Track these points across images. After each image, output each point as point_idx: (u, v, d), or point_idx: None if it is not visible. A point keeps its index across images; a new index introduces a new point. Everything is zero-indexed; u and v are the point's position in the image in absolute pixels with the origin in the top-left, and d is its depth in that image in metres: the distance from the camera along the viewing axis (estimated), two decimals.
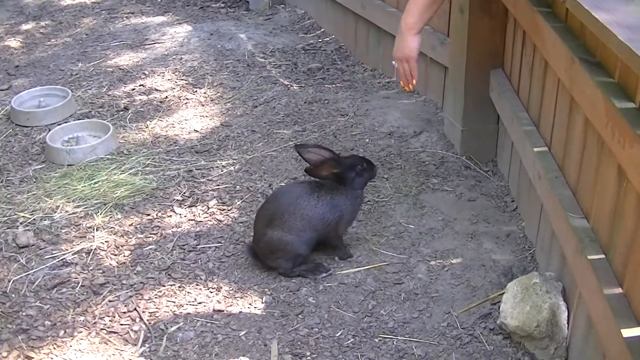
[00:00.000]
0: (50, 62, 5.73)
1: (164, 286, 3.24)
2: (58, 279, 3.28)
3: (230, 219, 3.70)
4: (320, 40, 5.98)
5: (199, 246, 3.50)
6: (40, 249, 3.49)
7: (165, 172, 4.12)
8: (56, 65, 5.66)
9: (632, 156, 2.05)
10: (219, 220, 3.69)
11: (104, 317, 3.07)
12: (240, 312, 3.10)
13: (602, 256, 2.41)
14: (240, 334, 2.97)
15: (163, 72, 5.44)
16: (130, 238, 3.57)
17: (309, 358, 2.85)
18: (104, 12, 6.88)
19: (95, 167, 4.16)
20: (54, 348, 2.90)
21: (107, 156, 4.28)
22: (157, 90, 5.18)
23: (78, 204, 3.82)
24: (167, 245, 3.51)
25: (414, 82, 3.26)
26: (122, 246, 3.51)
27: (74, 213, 3.75)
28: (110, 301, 3.16)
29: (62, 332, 2.98)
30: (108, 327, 3.01)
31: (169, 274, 3.32)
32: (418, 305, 3.11)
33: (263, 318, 3.06)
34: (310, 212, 3.24)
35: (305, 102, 4.90)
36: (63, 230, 3.62)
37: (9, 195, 3.91)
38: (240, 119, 4.73)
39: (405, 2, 4.81)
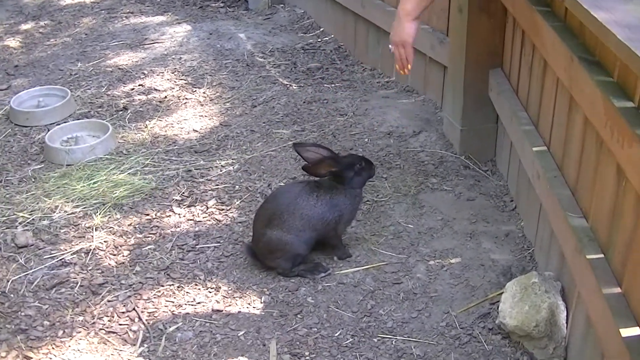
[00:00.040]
0: (50, 62, 5.73)
1: (162, 286, 3.24)
2: (57, 279, 3.28)
3: (229, 219, 3.70)
4: (319, 40, 5.98)
5: (197, 246, 3.50)
6: (39, 249, 3.48)
7: (164, 172, 4.11)
8: (55, 65, 5.65)
9: (631, 155, 2.04)
10: (218, 220, 3.69)
11: (102, 317, 3.07)
12: (239, 312, 3.10)
13: (601, 256, 2.41)
14: (239, 334, 2.97)
15: (162, 72, 5.44)
16: (129, 238, 3.57)
17: (307, 358, 2.85)
18: (103, 11, 6.88)
19: (94, 167, 4.15)
20: (53, 348, 2.90)
21: (106, 156, 4.28)
22: (156, 90, 5.17)
23: (77, 204, 3.82)
24: (166, 245, 3.51)
25: (409, 66, 3.29)
26: (121, 246, 3.51)
27: (73, 213, 3.75)
28: (109, 301, 3.16)
29: (60, 332, 2.98)
30: (107, 327, 3.01)
31: (167, 274, 3.32)
32: (417, 305, 3.11)
33: (262, 318, 3.06)
34: (309, 211, 3.24)
35: (304, 102, 4.89)
36: (62, 230, 3.62)
37: (7, 195, 3.91)
38: (240, 119, 4.72)
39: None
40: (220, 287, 3.23)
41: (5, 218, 3.71)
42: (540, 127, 3.27)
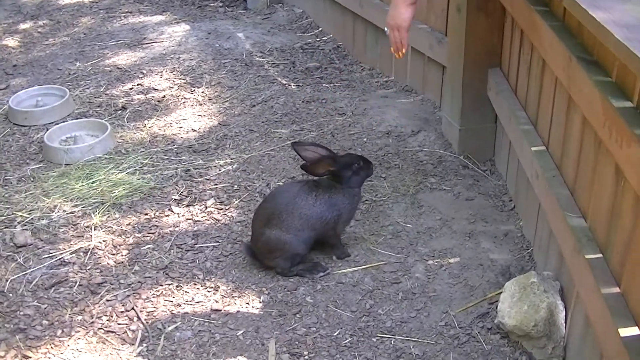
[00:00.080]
0: (48, 62, 5.73)
1: (161, 285, 3.24)
2: (55, 278, 3.28)
3: (228, 219, 3.70)
4: (318, 40, 5.98)
5: (196, 245, 3.50)
6: (38, 249, 3.48)
7: (163, 172, 4.11)
8: (54, 65, 5.65)
9: (629, 155, 2.05)
10: (216, 220, 3.69)
11: (101, 317, 3.06)
12: (238, 311, 3.10)
13: (600, 255, 2.41)
14: (237, 334, 2.97)
15: (161, 72, 5.44)
16: (128, 237, 3.57)
17: (306, 357, 2.85)
18: (102, 11, 6.88)
19: (93, 167, 4.15)
20: (52, 347, 2.90)
21: (105, 155, 4.28)
22: (155, 89, 5.17)
23: (76, 204, 3.82)
24: (164, 245, 3.51)
25: (404, 50, 3.30)
26: (119, 245, 3.51)
27: (71, 212, 3.75)
28: (107, 300, 3.16)
29: (59, 332, 2.98)
30: (106, 327, 3.01)
31: (166, 274, 3.32)
32: (416, 304, 3.11)
33: (261, 317, 3.06)
34: (308, 211, 3.24)
35: (303, 102, 4.89)
36: (61, 230, 3.62)
37: (6, 195, 3.91)
38: (238, 118, 4.72)
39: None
40: (219, 287, 3.23)
41: (4, 217, 3.70)
42: (538, 127, 3.27)
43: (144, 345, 2.92)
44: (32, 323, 3.02)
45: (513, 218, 3.64)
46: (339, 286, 3.23)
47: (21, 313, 3.08)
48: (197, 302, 3.15)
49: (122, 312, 3.09)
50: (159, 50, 5.85)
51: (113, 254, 3.45)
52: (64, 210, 3.76)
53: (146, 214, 3.74)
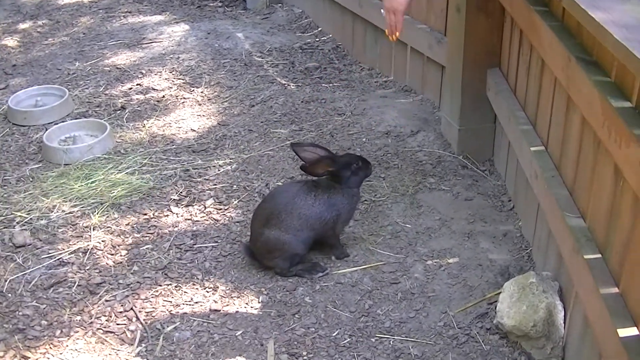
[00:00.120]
0: (48, 61, 5.72)
1: (160, 286, 3.24)
2: (54, 278, 3.28)
3: (227, 219, 3.69)
4: (317, 40, 5.98)
5: (195, 246, 3.50)
6: (37, 249, 3.48)
7: (162, 172, 4.11)
8: (53, 65, 5.65)
9: (628, 155, 2.05)
10: (215, 220, 3.69)
11: (100, 317, 3.06)
12: (237, 311, 3.10)
13: (599, 256, 2.41)
14: (236, 334, 2.97)
15: (160, 72, 5.43)
16: (127, 237, 3.57)
17: (305, 358, 2.85)
18: (101, 11, 6.88)
19: (92, 167, 4.15)
20: (51, 348, 2.90)
21: (104, 155, 4.28)
22: (154, 89, 5.17)
23: (75, 204, 3.81)
24: (163, 245, 3.51)
25: (397, 34, 3.32)
26: (118, 246, 3.51)
27: (70, 212, 3.75)
28: (106, 301, 3.15)
29: (58, 332, 2.98)
30: (104, 327, 3.01)
31: (165, 274, 3.31)
32: (415, 304, 3.11)
33: (260, 318, 3.06)
34: (307, 211, 3.24)
35: (302, 102, 4.89)
36: (60, 230, 3.62)
37: (5, 195, 3.91)
38: (237, 118, 4.72)
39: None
40: (218, 287, 3.23)
41: (3, 217, 3.70)
42: (538, 127, 3.27)
43: (143, 345, 2.92)
44: (31, 323, 3.02)
45: (512, 218, 3.64)
46: (337, 286, 3.23)
47: (20, 313, 3.07)
48: (196, 303, 3.14)
49: (121, 312, 3.09)
50: (158, 50, 5.84)
51: (112, 254, 3.45)
52: (63, 211, 3.76)
53: (145, 214, 3.74)
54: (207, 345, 2.91)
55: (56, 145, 4.35)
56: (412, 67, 4.91)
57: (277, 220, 3.21)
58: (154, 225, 3.65)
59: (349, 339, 2.93)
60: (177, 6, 6.98)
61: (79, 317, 3.06)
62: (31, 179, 4.07)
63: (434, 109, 4.66)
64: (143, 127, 4.65)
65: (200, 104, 4.94)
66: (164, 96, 5.06)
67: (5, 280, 3.26)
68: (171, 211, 3.76)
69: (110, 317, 3.07)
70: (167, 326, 3.01)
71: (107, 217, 3.72)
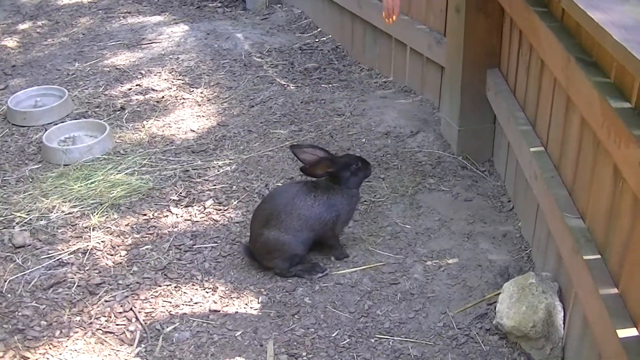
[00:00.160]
0: (47, 62, 5.72)
1: (160, 286, 3.24)
2: (54, 279, 3.28)
3: (227, 219, 3.69)
4: (317, 40, 5.98)
5: (195, 246, 3.50)
6: (37, 249, 3.48)
7: (161, 172, 4.11)
8: (53, 65, 5.65)
9: (627, 156, 2.05)
10: (215, 220, 3.69)
11: (100, 317, 3.06)
12: (237, 312, 3.10)
13: (598, 256, 2.41)
14: (236, 334, 2.97)
15: (160, 72, 5.43)
16: (127, 238, 3.57)
17: (305, 358, 2.84)
18: (100, 11, 6.88)
19: (91, 167, 4.15)
20: (50, 348, 2.90)
21: (104, 156, 4.28)
22: (153, 90, 5.17)
23: (74, 204, 3.81)
24: (163, 245, 3.51)
25: (394, 17, 3.34)
26: (118, 246, 3.51)
27: (70, 213, 3.75)
28: (106, 301, 3.15)
29: (58, 332, 2.98)
30: (104, 327, 3.01)
31: (165, 274, 3.31)
32: (414, 305, 3.11)
33: (259, 318, 3.06)
34: (307, 211, 3.24)
35: (301, 102, 4.89)
36: (59, 230, 3.62)
37: (5, 195, 3.91)
38: (237, 119, 4.72)
39: (402, 3, 4.81)
40: (217, 288, 3.23)
41: (2, 218, 3.70)
42: (537, 128, 3.28)
43: (143, 345, 2.92)
44: (30, 323, 3.02)
45: (512, 219, 3.65)
46: (337, 287, 3.23)
47: (20, 313, 3.07)
48: (196, 303, 3.14)
49: (120, 312, 3.09)
50: (157, 50, 5.84)
51: (112, 255, 3.45)
52: (63, 211, 3.76)
53: (145, 215, 3.74)
54: (207, 346, 2.91)
55: (56, 145, 4.35)
56: (411, 68, 4.91)
57: (276, 221, 3.21)
58: (154, 226, 3.65)
59: (348, 340, 2.93)
60: (176, 7, 6.98)
61: (78, 318, 3.06)
62: (31, 180, 4.07)
63: (433, 109, 4.66)
64: (142, 127, 4.65)
65: (199, 105, 4.94)
66: (163, 97, 5.06)
67: (5, 281, 3.26)
68: (171, 212, 3.76)
69: (110, 317, 3.06)
70: (167, 327, 3.01)
71: (107, 217, 3.72)
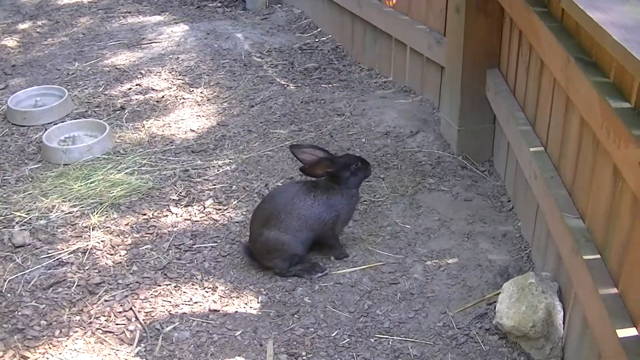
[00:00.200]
0: (47, 62, 5.72)
1: (159, 286, 3.24)
2: (54, 278, 3.28)
3: (226, 219, 3.70)
4: (317, 40, 5.98)
5: (194, 246, 3.50)
6: (36, 249, 3.48)
7: (161, 172, 4.11)
8: (53, 65, 5.65)
9: (627, 156, 2.05)
10: (215, 220, 3.69)
11: (99, 317, 3.06)
12: (236, 311, 3.10)
13: (598, 256, 2.41)
14: (235, 334, 2.97)
15: (159, 72, 5.43)
16: (126, 238, 3.57)
17: (304, 358, 2.85)
18: (100, 11, 6.88)
19: (91, 167, 4.15)
20: (50, 347, 2.90)
21: (104, 156, 4.28)
22: (153, 89, 5.17)
23: (74, 204, 3.81)
24: (163, 245, 3.51)
25: (394, 1, 3.33)
26: (118, 246, 3.51)
27: (70, 212, 3.75)
28: (106, 301, 3.15)
29: (57, 332, 2.98)
30: (104, 327, 3.01)
31: (164, 274, 3.31)
32: (414, 305, 3.11)
33: (259, 318, 3.06)
34: (306, 211, 3.24)
35: (301, 102, 4.89)
36: (59, 230, 3.62)
37: (5, 195, 3.91)
38: (237, 119, 4.72)
39: (402, 3, 4.83)
40: (217, 287, 3.23)
41: (2, 217, 3.70)
42: (537, 128, 3.28)
43: (142, 345, 2.92)
44: (30, 323, 3.02)
45: (511, 219, 3.65)
46: (337, 287, 3.23)
47: (19, 313, 3.07)
48: (195, 303, 3.14)
49: (120, 312, 3.09)
50: (157, 50, 5.85)
51: (111, 254, 3.45)
52: (62, 211, 3.76)
53: (144, 214, 3.74)
54: (206, 346, 2.91)
55: (55, 145, 4.35)
56: (411, 68, 4.91)
57: (276, 221, 3.22)
58: (153, 226, 3.65)
59: (348, 339, 2.93)
60: (176, 6, 6.98)
61: (78, 317, 3.06)
62: (30, 179, 4.07)
63: (433, 109, 4.66)
64: (142, 127, 4.65)
65: (199, 105, 4.94)
66: (163, 96, 5.06)
67: (5, 280, 3.26)
68: (170, 211, 3.76)
69: (110, 317, 3.07)
70: (166, 326, 3.01)
71: (107, 217, 3.72)
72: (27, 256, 3.43)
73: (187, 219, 3.70)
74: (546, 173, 2.96)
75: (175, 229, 3.62)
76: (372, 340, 2.93)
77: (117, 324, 3.03)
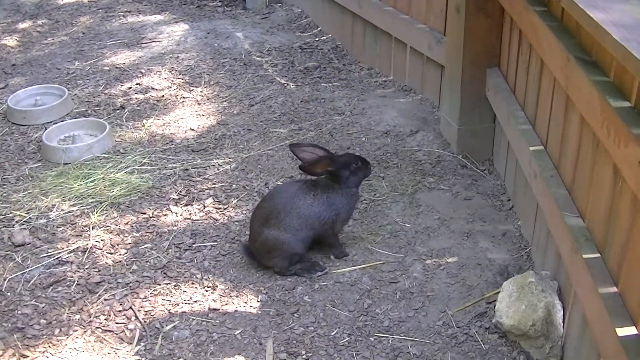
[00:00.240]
0: (47, 61, 5.72)
1: (159, 285, 3.24)
2: (54, 277, 3.28)
3: (226, 218, 3.70)
4: (317, 39, 5.98)
5: (194, 245, 3.50)
6: (36, 248, 3.48)
7: (161, 171, 4.11)
8: (53, 64, 5.65)
9: (627, 155, 2.05)
10: (214, 219, 3.69)
11: (99, 316, 3.06)
12: (236, 310, 3.10)
13: (598, 255, 2.41)
14: (235, 333, 2.97)
15: (160, 71, 5.43)
16: (126, 237, 3.57)
17: (304, 357, 2.85)
18: (100, 10, 6.88)
19: (91, 166, 4.15)
20: (49, 347, 2.90)
21: (103, 155, 4.28)
22: (153, 89, 5.17)
23: (74, 203, 3.81)
24: (162, 244, 3.51)
25: None
26: (117, 245, 3.51)
27: (69, 212, 3.75)
28: (105, 300, 3.15)
29: (57, 331, 2.98)
30: (103, 326, 3.01)
31: (164, 273, 3.31)
32: (413, 304, 3.11)
33: (258, 317, 3.06)
34: (306, 210, 3.24)
35: (301, 101, 4.89)
36: (59, 229, 3.62)
37: (5, 194, 3.91)
38: (237, 118, 4.72)
39: (402, 2, 4.84)
40: (217, 286, 3.23)
41: (2, 217, 3.70)
42: (537, 127, 3.28)
43: (142, 344, 2.92)
44: (30, 322, 3.02)
45: (511, 218, 3.65)
46: (336, 286, 3.23)
47: (19, 312, 3.07)
48: (195, 302, 3.15)
49: (120, 311, 3.09)
50: (157, 49, 5.84)
51: (111, 253, 3.45)
52: (62, 210, 3.76)
53: (144, 214, 3.74)
54: (206, 344, 2.91)
55: (55, 144, 4.35)
56: (411, 67, 4.91)
57: (276, 220, 3.22)
58: (153, 225, 3.65)
59: (348, 338, 2.93)
60: (176, 6, 6.98)
61: (78, 316, 3.06)
62: (30, 178, 4.07)
63: (433, 108, 4.66)
64: (142, 126, 4.65)
65: (199, 104, 4.94)
66: (163, 95, 5.06)
67: (5, 279, 3.27)
68: (170, 210, 3.76)
69: (109, 316, 3.07)
70: (166, 325, 3.01)
71: (107, 216, 3.72)
72: (27, 255, 3.43)
73: (187, 218, 3.70)
74: (546, 172, 2.96)
75: (175, 228, 3.62)
76: (372, 339, 2.93)
77: (116, 323, 3.03)
